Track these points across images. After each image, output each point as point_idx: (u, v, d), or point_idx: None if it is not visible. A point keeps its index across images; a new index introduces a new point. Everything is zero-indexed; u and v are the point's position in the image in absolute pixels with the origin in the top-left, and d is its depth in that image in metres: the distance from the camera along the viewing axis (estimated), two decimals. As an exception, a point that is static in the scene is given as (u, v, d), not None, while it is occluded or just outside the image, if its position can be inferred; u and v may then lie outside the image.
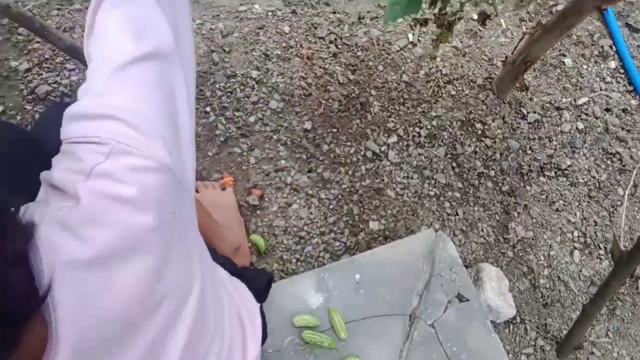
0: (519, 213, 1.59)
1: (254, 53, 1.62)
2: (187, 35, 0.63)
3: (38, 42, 1.53)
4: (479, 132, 1.64)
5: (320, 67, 1.63)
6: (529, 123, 1.70)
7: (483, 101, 1.67)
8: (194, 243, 0.57)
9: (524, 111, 1.71)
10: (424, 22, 1.18)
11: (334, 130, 1.55)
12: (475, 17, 1.71)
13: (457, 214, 1.52)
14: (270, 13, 1.69)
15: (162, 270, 0.47)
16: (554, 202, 1.63)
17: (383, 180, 1.51)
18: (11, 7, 1.18)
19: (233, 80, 1.56)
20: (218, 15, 1.67)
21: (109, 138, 0.47)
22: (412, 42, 1.70)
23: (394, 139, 1.56)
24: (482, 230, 1.53)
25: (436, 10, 1.14)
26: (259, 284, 0.93)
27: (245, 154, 1.48)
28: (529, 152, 1.67)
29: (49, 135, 0.65)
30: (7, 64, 1.48)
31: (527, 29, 1.80)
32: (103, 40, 0.57)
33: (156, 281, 0.46)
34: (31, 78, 1.48)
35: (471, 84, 1.69)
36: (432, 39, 1.64)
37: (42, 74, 1.49)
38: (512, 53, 1.54)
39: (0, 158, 0.82)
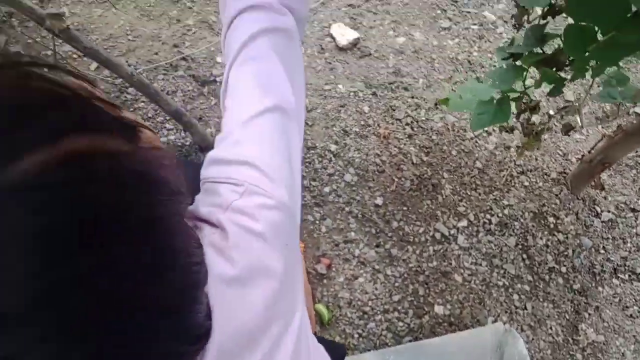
0: (589, 314, 1.52)
1: (334, 128, 1.71)
2: (300, 91, 0.72)
3: (143, 101, 1.70)
4: (552, 225, 1.63)
5: (395, 147, 1.70)
6: (602, 222, 1.67)
7: (557, 195, 1.67)
8: (299, 277, 0.63)
9: (598, 209, 1.69)
10: (511, 130, 1.23)
11: (405, 208, 1.58)
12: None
13: (525, 308, 1.48)
14: (352, 93, 1.80)
15: (278, 294, 0.53)
16: (627, 307, 1.56)
17: (451, 264, 1.51)
18: (134, 75, 1.34)
19: (312, 151, 1.65)
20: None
21: (243, 180, 0.56)
22: (486, 131, 1.76)
23: (464, 223, 1.58)
24: (551, 328, 1.47)
25: (523, 120, 1.19)
26: (333, 356, 0.93)
27: (317, 222, 1.53)
28: (602, 251, 1.63)
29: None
30: (114, 118, 1.65)
31: (603, 127, 1.82)
32: (235, 95, 0.66)
33: (273, 303, 0.53)
34: (133, 133, 1.62)
35: (545, 176, 1.70)
36: (517, 145, 1.69)
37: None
38: (588, 152, 1.56)
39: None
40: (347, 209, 1.57)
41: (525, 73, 0.99)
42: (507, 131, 1.23)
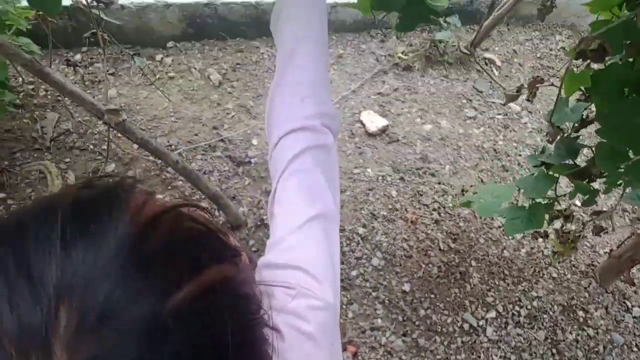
0: (626, 418, 1.47)
1: (362, 211, 1.77)
2: (337, 193, 0.78)
3: (181, 180, 1.79)
4: (581, 319, 1.61)
5: (422, 232, 1.73)
6: (634, 317, 1.65)
7: (585, 288, 1.66)
8: None
9: (629, 304, 1.67)
10: (545, 236, 1.26)
11: (432, 296, 1.59)
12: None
13: (557, 408, 1.44)
14: (380, 177, 1.87)
15: None
16: (666, 411, 1.50)
17: (479, 356, 1.49)
18: (179, 162, 1.44)
19: (341, 234, 1.70)
20: (334, 174, 1.87)
21: (296, 284, 0.61)
22: (513, 220, 1.78)
23: (492, 314, 1.57)
24: None
25: (557, 226, 1.22)
26: None
27: (344, 307, 1.55)
28: (634, 349, 1.59)
29: None
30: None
31: (630, 221, 1.83)
32: (283, 204, 0.73)
33: None
34: (170, 210, 1.70)
35: (573, 268, 1.70)
36: (553, 251, 1.71)
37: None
38: (617, 247, 1.56)
39: None
40: (374, 294, 1.58)
41: (556, 182, 1.04)
42: (541, 237, 1.26)
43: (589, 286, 1.67)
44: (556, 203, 1.10)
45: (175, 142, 1.90)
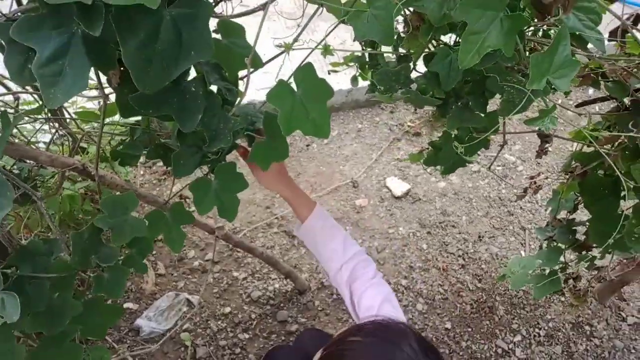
0: (633, 407, 1.94)
1: (401, 265, 2.24)
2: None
3: (250, 257, 2.24)
4: (588, 332, 2.09)
5: (453, 277, 2.21)
6: (629, 325, 2.14)
7: (588, 306, 2.15)
8: None
9: (624, 315, 2.16)
10: (562, 293, 1.73)
11: (469, 329, 2.06)
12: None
13: (580, 407, 1.91)
14: (411, 234, 2.36)
15: None
16: (663, 397, 1.98)
17: (514, 373, 1.96)
18: (264, 253, 1.90)
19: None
20: (373, 236, 2.35)
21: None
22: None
23: (518, 337, 2.05)
24: (604, 422, 1.89)
25: (570, 286, 1.71)
26: None
27: (402, 347, 2.01)
28: (632, 351, 2.08)
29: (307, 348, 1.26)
30: (230, 274, 2.18)
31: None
32: (367, 295, 1.13)
33: None
34: (247, 285, 2.15)
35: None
36: (570, 304, 2.19)
37: (254, 282, 2.16)
38: (610, 270, 2.06)
39: None
40: (423, 334, 2.05)
41: (563, 252, 1.51)
42: (561, 295, 1.74)
43: (590, 304, 2.16)
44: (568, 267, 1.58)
45: (238, 225, 2.36)
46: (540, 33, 0.95)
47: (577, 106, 1.23)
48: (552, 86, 0.70)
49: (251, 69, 0.66)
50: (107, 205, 0.83)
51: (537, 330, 2.08)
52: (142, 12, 0.55)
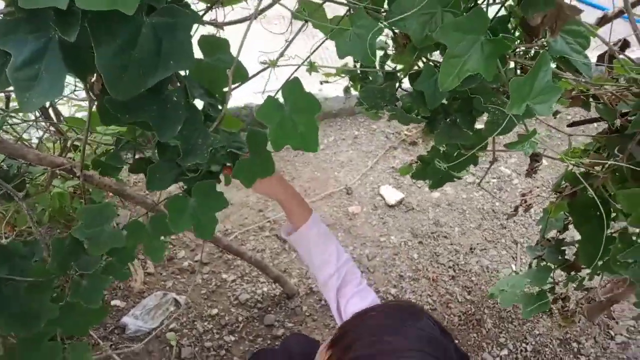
0: None
1: (391, 274, 2.24)
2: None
3: (239, 260, 2.24)
4: (575, 349, 2.09)
5: (442, 288, 2.21)
6: (617, 344, 2.13)
7: (576, 323, 2.14)
8: None
9: (612, 333, 2.15)
10: (550, 313, 1.72)
11: (456, 341, 2.05)
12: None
13: None
14: (402, 243, 2.35)
15: None
16: (648, 418, 1.97)
17: (499, 388, 1.95)
18: (252, 257, 1.89)
19: (377, 294, 2.16)
20: (364, 244, 2.34)
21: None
22: (515, 271, 2.27)
23: (505, 351, 2.04)
24: None
25: (559, 306, 1.70)
26: None
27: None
28: (620, 370, 2.07)
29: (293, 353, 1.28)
30: (219, 276, 2.18)
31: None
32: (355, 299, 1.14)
33: None
34: (235, 287, 2.15)
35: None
36: (559, 324, 2.16)
37: (242, 285, 2.16)
38: (601, 288, 2.06)
39: None
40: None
41: (552, 272, 1.50)
42: (548, 314, 1.73)
43: (579, 321, 2.16)
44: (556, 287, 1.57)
45: (230, 227, 2.35)
46: (532, 52, 0.95)
47: (568, 126, 1.22)
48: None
49: (234, 85, 0.66)
50: (85, 215, 0.83)
51: (524, 345, 2.07)
52: (119, 18, 0.55)
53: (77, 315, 0.97)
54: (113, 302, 1.99)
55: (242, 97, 2.04)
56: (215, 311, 2.05)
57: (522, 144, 0.68)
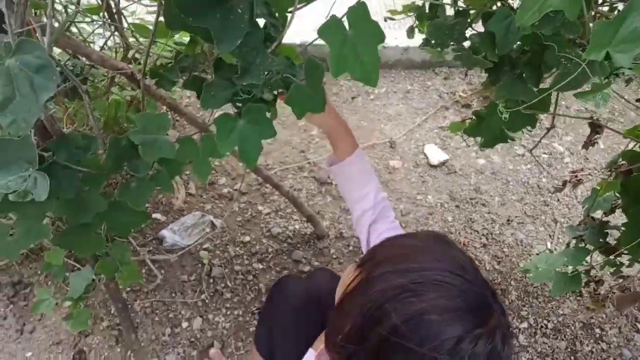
0: (625, 415, 1.93)
1: (423, 232, 2.23)
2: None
3: (277, 195, 2.28)
4: (597, 335, 2.06)
5: (472, 254, 2.19)
6: (642, 337, 2.09)
7: (604, 311, 2.10)
8: None
9: (639, 326, 2.10)
10: (580, 294, 1.67)
11: (477, 307, 2.06)
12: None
13: (570, 403, 1.91)
14: (439, 204, 2.33)
15: None
16: (659, 413, 1.95)
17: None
18: (289, 192, 1.92)
19: (406, 250, 2.17)
20: (400, 199, 2.34)
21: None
22: (549, 249, 2.23)
23: (525, 325, 2.04)
24: (591, 422, 1.89)
25: (591, 290, 1.65)
26: None
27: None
28: (640, 362, 2.04)
29: (319, 284, 1.29)
30: (255, 207, 2.24)
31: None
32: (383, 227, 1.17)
33: None
34: (269, 220, 2.20)
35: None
36: (587, 307, 2.11)
37: (276, 219, 2.21)
38: (633, 284, 1.99)
39: (297, 311, 1.39)
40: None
41: (591, 253, 1.46)
42: (578, 295, 1.69)
43: (607, 309, 2.11)
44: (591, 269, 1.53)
45: (271, 163, 2.39)
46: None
47: (637, 100, 1.15)
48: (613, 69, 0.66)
49: (299, 5, 0.65)
50: (142, 120, 0.86)
51: (545, 321, 2.06)
52: None
53: (122, 214, 1.03)
54: (154, 215, 2.09)
55: (299, 31, 2.00)
56: (247, 239, 2.12)
57: (594, 95, 0.65)
